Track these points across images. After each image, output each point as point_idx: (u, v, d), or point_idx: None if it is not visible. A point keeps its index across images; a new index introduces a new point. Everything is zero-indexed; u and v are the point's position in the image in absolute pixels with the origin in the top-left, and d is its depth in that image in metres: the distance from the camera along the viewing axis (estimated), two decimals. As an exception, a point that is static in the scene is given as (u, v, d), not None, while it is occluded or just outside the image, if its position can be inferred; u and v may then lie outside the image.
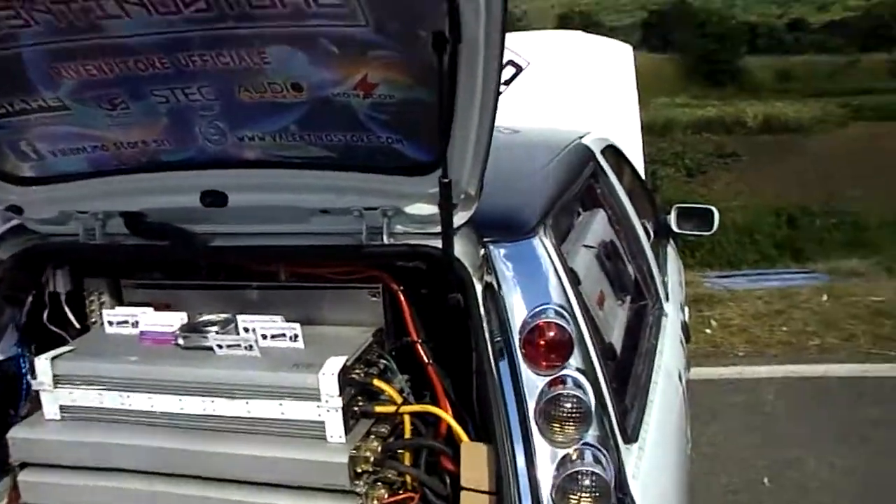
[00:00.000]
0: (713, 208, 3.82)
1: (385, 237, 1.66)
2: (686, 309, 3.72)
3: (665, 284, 2.93)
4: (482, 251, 1.63)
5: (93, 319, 2.06)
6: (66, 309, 2.02)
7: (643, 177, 4.09)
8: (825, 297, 6.25)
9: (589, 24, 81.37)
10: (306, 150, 1.65)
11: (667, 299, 2.79)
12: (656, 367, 2.14)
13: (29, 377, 2.01)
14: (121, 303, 2.04)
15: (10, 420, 1.97)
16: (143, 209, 1.82)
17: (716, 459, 3.97)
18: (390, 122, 1.53)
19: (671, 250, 3.88)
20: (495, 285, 1.60)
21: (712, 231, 3.85)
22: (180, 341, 1.76)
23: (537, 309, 1.55)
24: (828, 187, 12.02)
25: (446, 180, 1.45)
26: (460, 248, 1.62)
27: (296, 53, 1.44)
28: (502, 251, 1.63)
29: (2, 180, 1.81)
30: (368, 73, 1.44)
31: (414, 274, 1.78)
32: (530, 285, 1.60)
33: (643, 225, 3.20)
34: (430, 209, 1.59)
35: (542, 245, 1.67)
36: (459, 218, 1.60)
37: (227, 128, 1.64)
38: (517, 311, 1.56)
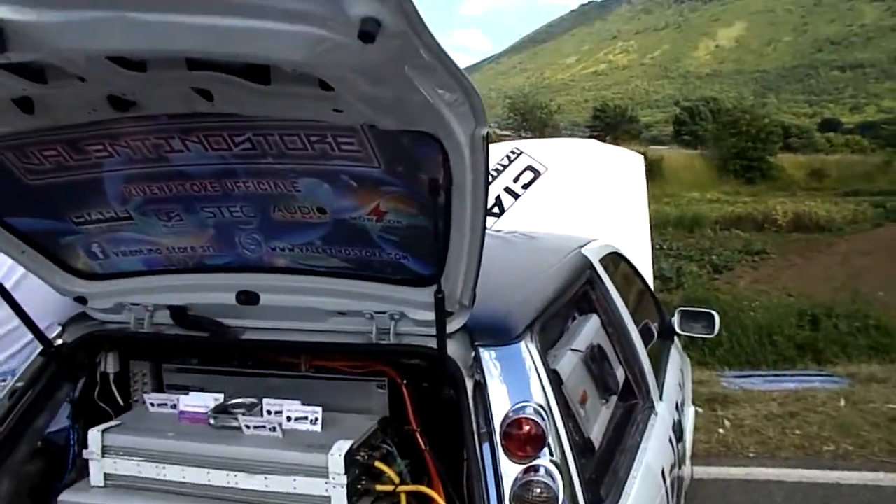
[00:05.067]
0: (714, 313, 4.02)
1: (392, 337, 1.95)
2: (687, 409, 3.88)
3: (661, 385, 3.12)
4: (473, 353, 1.89)
5: (135, 398, 2.34)
6: (114, 388, 2.31)
7: (650, 282, 4.34)
8: (843, 402, 6.26)
9: (622, 118, 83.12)
10: (328, 261, 1.95)
11: (660, 399, 2.98)
12: (637, 463, 2.33)
13: (76, 448, 2.28)
14: (161, 384, 2.32)
15: (56, 486, 2.23)
16: (186, 304, 2.13)
17: (718, 561, 4.04)
18: (398, 242, 1.83)
19: (675, 351, 4.07)
20: (483, 383, 1.85)
21: (714, 334, 4.05)
22: (212, 421, 2.02)
23: (517, 406, 1.79)
24: (855, 289, 12.01)
25: (440, 295, 1.73)
26: (455, 350, 1.88)
27: (322, 185, 1.75)
28: (491, 354, 1.88)
29: (73, 275, 2.14)
30: (381, 203, 1.76)
31: (416, 370, 2.05)
32: (513, 385, 1.85)
33: (646, 326, 3.43)
34: (431, 315, 1.87)
35: (527, 350, 1.92)
36: (455, 324, 1.89)
37: (263, 239, 1.95)
38: (500, 406, 1.80)
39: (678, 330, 4.02)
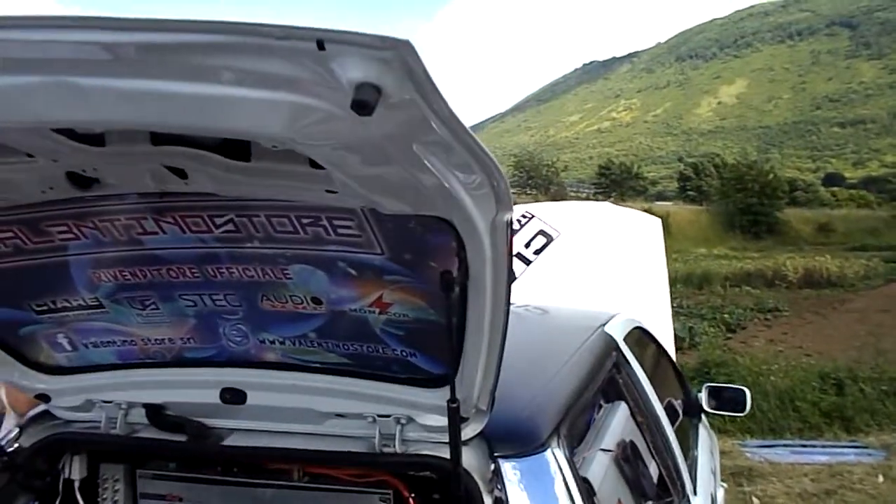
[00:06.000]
0: (745, 389, 3.72)
1: (397, 444, 1.68)
2: (719, 495, 3.56)
3: (694, 475, 2.82)
4: (492, 465, 1.62)
5: None
6: (79, 497, 2.03)
7: (672, 354, 4.05)
8: (881, 478, 5.85)
9: (627, 175, 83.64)
10: (324, 356, 1.71)
11: (694, 493, 2.68)
12: (680, 580, 2.03)
13: None
14: (135, 492, 2.04)
15: None
16: (164, 402, 1.88)
17: None
18: (404, 338, 1.59)
19: (703, 430, 3.76)
20: (505, 500, 1.57)
21: (745, 412, 3.74)
22: (186, 545, 1.74)
23: None
24: (877, 349, 11.61)
25: (454, 404, 1.47)
26: (471, 462, 1.61)
27: (316, 272, 1.53)
28: (513, 465, 1.61)
29: (34, 370, 1.89)
30: (384, 294, 1.52)
31: (426, 481, 1.77)
32: (540, 503, 1.57)
33: (671, 405, 3.14)
34: (443, 420, 1.60)
35: (554, 459, 1.64)
36: (470, 431, 1.62)
37: (250, 331, 1.72)
38: None
39: (706, 407, 3.71)
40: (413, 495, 1.76)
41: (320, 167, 1.14)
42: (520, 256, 4.85)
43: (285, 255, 1.52)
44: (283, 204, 1.39)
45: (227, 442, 1.86)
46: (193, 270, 1.60)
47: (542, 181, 70.24)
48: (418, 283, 1.46)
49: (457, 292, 1.36)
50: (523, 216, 4.99)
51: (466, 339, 1.46)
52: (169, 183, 1.35)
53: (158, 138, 1.20)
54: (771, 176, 61.12)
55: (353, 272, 1.49)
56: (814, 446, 7.09)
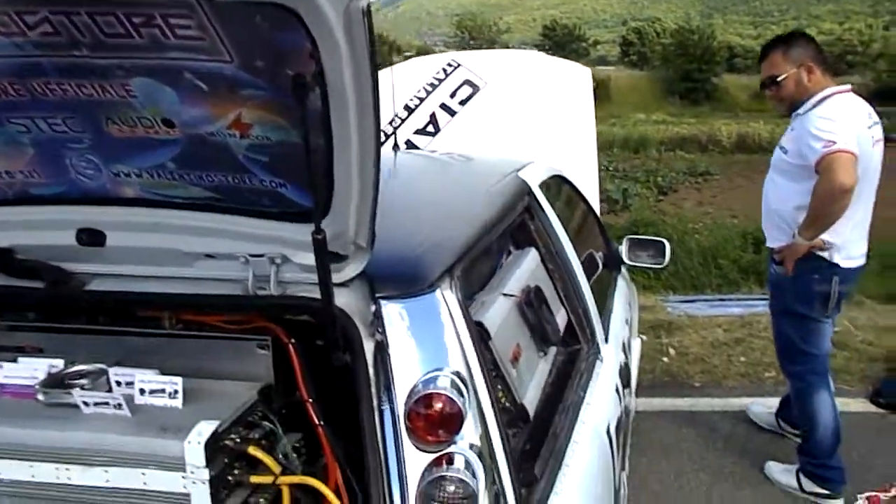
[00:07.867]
0: (664, 241, 3.70)
1: (272, 286, 1.53)
2: (633, 343, 3.61)
3: (606, 325, 2.80)
4: (374, 307, 1.49)
5: None
6: None
7: (596, 206, 3.98)
8: (784, 325, 6.16)
9: (571, 37, 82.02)
10: (187, 190, 1.51)
11: (605, 341, 2.65)
12: (579, 423, 1.99)
13: None
14: (-7, 344, 1.86)
15: None
16: (13, 245, 1.66)
17: (660, 499, 3.85)
18: (271, 165, 1.39)
19: (622, 282, 3.76)
20: (385, 345, 1.46)
21: (664, 264, 3.74)
22: (41, 397, 1.58)
23: (428, 376, 1.40)
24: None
25: (320, 236, 1.31)
26: (351, 303, 1.48)
27: (162, 87, 1.30)
28: (396, 307, 1.48)
29: None
30: (242, 113, 1.31)
31: (306, 326, 1.63)
32: (424, 347, 1.46)
33: (590, 256, 3.08)
34: None
35: (444, 300, 1.52)
36: (351, 270, 1.48)
37: (101, 162, 1.50)
38: (406, 376, 1.41)
39: (626, 260, 3.69)
40: (294, 341, 1.63)
41: None
42: (444, 107, 4.61)
43: (123, 67, 1.28)
44: None
45: (90, 287, 1.68)
46: (16, 86, 1.35)
47: (484, 42, 68.33)
48: (276, 96, 1.24)
49: (317, 104, 1.17)
50: (449, 65, 4.71)
51: (335, 160, 1.27)
52: None
53: None
54: (713, 42, 60.63)
55: (203, 86, 1.27)
56: (730, 300, 7.37)
